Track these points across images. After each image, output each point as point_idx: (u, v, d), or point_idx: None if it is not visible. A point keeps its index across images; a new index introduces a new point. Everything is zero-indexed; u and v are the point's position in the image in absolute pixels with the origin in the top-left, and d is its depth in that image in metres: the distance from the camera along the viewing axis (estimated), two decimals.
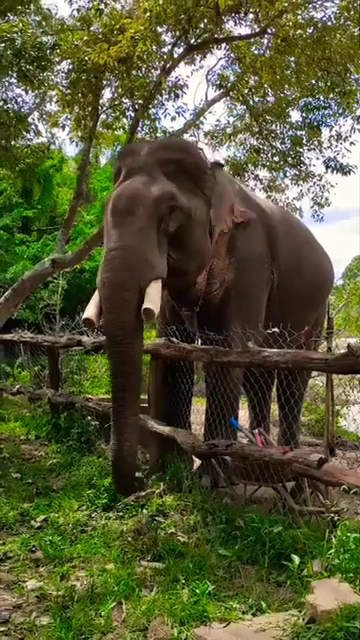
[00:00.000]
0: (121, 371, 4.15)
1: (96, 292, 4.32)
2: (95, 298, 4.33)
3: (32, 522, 4.28)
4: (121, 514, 4.38)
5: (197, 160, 4.78)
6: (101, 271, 4.27)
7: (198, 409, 6.23)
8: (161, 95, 10.75)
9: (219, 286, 5.10)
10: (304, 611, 2.76)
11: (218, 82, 11.72)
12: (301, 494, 4.34)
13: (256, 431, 5.05)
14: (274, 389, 6.56)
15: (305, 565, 3.12)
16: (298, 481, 4.30)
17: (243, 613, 2.92)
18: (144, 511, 4.29)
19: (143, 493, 4.66)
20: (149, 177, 4.44)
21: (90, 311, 4.31)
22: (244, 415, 6.98)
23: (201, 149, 5.25)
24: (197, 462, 5.23)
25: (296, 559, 3.16)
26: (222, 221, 4.94)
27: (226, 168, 12.68)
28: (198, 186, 4.69)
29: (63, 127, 11.56)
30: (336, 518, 3.54)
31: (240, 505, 4.36)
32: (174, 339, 5.11)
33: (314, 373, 6.84)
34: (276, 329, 4.56)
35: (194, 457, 5.15)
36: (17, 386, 9.64)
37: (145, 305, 4.00)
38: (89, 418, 6.52)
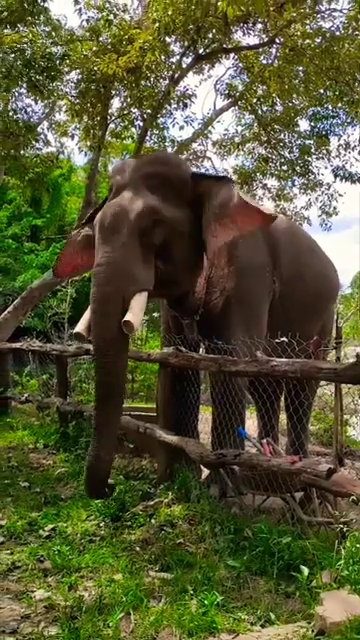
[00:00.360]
0: (105, 382, 4.28)
1: (89, 307, 4.46)
2: (87, 313, 4.48)
3: (40, 531, 4.26)
4: (129, 524, 4.37)
5: (180, 172, 4.83)
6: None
7: (206, 418, 6.21)
8: (169, 104, 10.83)
9: (219, 295, 5.16)
10: (313, 623, 2.73)
11: (226, 91, 11.79)
12: (310, 504, 4.32)
13: (264, 441, 5.03)
14: (282, 398, 6.54)
15: (314, 576, 3.10)
16: (307, 491, 4.28)
17: (252, 624, 2.90)
18: (152, 521, 4.28)
19: (151, 503, 4.66)
20: (134, 193, 4.56)
21: (81, 325, 4.51)
22: (252, 425, 6.97)
23: (184, 161, 5.25)
24: (205, 472, 5.22)
25: (305, 570, 3.13)
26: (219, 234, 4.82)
27: (234, 177, 12.78)
28: (183, 197, 4.73)
29: (72, 136, 11.67)
30: (345, 529, 3.51)
31: (248, 515, 4.33)
32: (182, 348, 5.11)
33: (323, 382, 6.82)
34: (284, 338, 4.55)
35: (202, 467, 5.14)
36: (25, 395, 9.65)
37: (125, 318, 4.12)
38: None
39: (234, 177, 12.89)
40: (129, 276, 4.31)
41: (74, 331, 4.59)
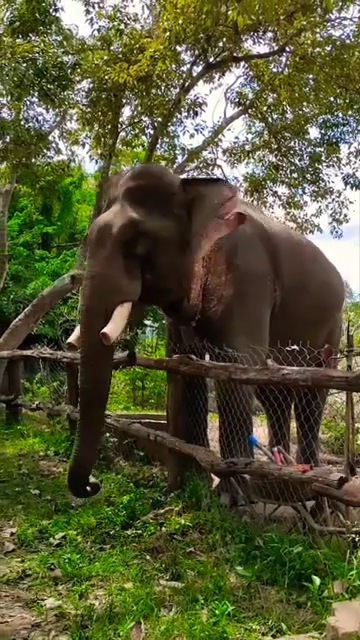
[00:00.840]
0: (88, 389, 4.58)
1: None
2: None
3: (51, 539, 4.26)
4: (140, 532, 4.36)
5: (162, 183, 4.95)
6: None
7: (216, 426, 6.20)
8: (180, 113, 10.87)
9: (217, 302, 5.22)
10: (325, 633, 2.71)
11: (237, 100, 11.82)
12: (321, 514, 4.29)
13: (275, 449, 5.01)
14: (293, 406, 6.52)
15: (326, 586, 3.08)
16: (318, 500, 4.26)
17: (263, 635, 2.88)
18: (163, 529, 4.27)
19: (162, 511, 4.65)
20: (119, 207, 4.77)
21: (73, 336, 4.79)
22: (263, 433, 6.95)
23: (167, 171, 5.37)
24: (216, 480, 5.20)
25: (317, 580, 3.12)
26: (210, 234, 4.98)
27: (245, 184, 12.80)
28: (167, 207, 4.84)
29: (83, 145, 11.72)
30: (357, 539, 3.49)
31: (259, 524, 4.32)
32: (192, 356, 5.11)
33: (334, 389, 6.79)
34: (295, 346, 4.55)
35: (213, 475, 5.13)
36: (36, 402, 9.66)
37: (103, 329, 4.32)
38: (107, 435, 6.52)
39: (244, 185, 12.91)
40: (112, 288, 4.53)
41: (67, 341, 4.88)
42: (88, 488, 4.59)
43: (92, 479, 4.64)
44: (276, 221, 7.09)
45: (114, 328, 4.38)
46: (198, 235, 4.88)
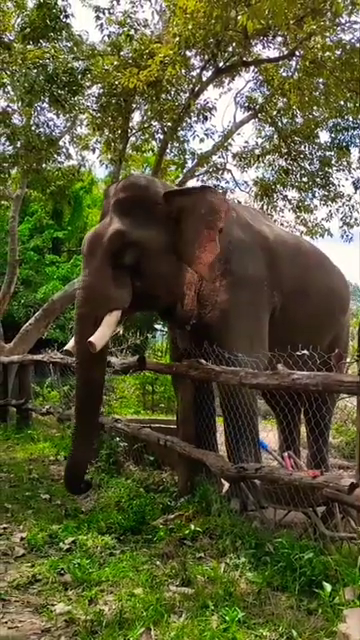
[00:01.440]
0: (82, 393, 5.01)
1: None
2: None
3: (61, 544, 4.25)
4: (150, 537, 4.35)
5: (148, 194, 5.11)
6: None
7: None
8: (190, 117, 10.90)
9: (212, 308, 5.32)
10: None
11: (246, 104, 11.84)
12: (332, 519, 4.27)
13: (285, 454, 4.99)
14: (303, 411, 6.49)
15: (337, 593, 3.05)
16: (329, 506, 4.23)
17: None
18: (173, 535, 4.26)
19: (172, 516, 4.64)
20: (109, 219, 5.03)
21: (70, 343, 5.19)
22: (273, 437, 6.92)
23: (154, 181, 5.61)
24: (227, 485, 5.19)
25: (327, 586, 3.09)
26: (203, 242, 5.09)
27: (255, 189, 12.79)
28: (154, 217, 4.99)
29: (93, 150, 11.78)
30: None
31: (270, 530, 4.29)
32: (202, 360, 5.11)
33: (343, 394, 6.76)
34: (306, 351, 4.53)
35: (223, 480, 5.12)
36: (47, 406, 9.69)
37: (89, 338, 4.55)
38: (118, 439, 6.52)
39: (254, 189, 12.91)
40: (101, 297, 4.79)
41: (64, 348, 5.33)
42: (82, 485, 5.05)
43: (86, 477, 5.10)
44: (279, 227, 7.09)
45: (100, 336, 4.61)
46: (192, 245, 5.00)
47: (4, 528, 4.66)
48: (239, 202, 12.77)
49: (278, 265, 5.70)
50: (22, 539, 4.35)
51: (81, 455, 4.99)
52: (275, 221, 12.64)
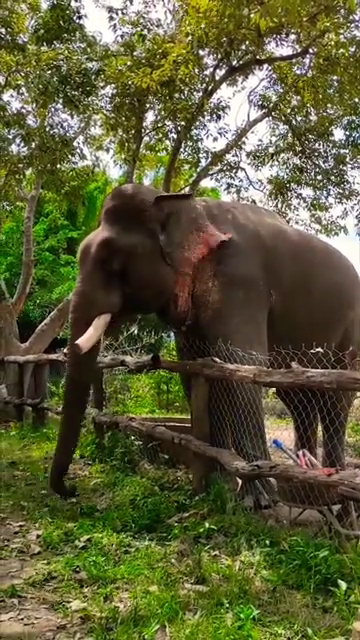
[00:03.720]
0: (68, 393, 5.39)
1: None
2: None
3: (76, 542, 4.26)
4: (164, 535, 4.35)
5: (133, 202, 5.35)
6: None
7: None
8: (203, 117, 10.89)
9: (205, 308, 5.45)
10: (351, 639, 2.68)
11: (260, 102, 11.80)
12: (347, 517, 4.26)
13: (300, 452, 4.98)
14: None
15: (352, 591, 3.04)
16: (344, 504, 4.22)
17: (288, 639, 2.86)
18: (187, 533, 4.26)
19: (187, 514, 4.64)
20: (100, 228, 5.36)
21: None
22: (289, 436, 6.90)
23: (140, 189, 5.97)
24: (240, 482, 5.18)
25: (343, 585, 3.08)
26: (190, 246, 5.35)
27: (269, 187, 12.76)
28: (140, 223, 5.22)
29: (107, 150, 11.83)
30: None
31: (285, 528, 4.28)
32: (216, 359, 5.12)
33: (359, 393, 6.72)
34: (320, 349, 4.53)
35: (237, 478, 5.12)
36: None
37: (76, 341, 4.88)
38: (132, 438, 6.54)
39: (269, 187, 12.87)
40: (91, 302, 5.08)
41: (64, 351, 5.78)
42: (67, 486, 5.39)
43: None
44: (287, 225, 7.06)
45: (86, 339, 4.89)
46: (180, 248, 5.28)
47: (20, 526, 4.69)
48: (253, 201, 12.78)
49: (276, 264, 5.74)
50: (38, 537, 4.37)
51: (62, 456, 5.32)
52: (289, 220, 12.61)
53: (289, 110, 11.75)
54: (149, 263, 5.22)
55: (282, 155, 12.73)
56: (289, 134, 12.39)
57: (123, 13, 9.95)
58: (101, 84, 10.11)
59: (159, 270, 5.26)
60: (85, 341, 4.87)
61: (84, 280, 5.18)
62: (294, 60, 10.63)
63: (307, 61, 10.52)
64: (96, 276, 5.12)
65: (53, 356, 9.71)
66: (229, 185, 12.96)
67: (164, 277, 5.29)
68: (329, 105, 10.92)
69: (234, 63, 10.36)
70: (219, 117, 10.70)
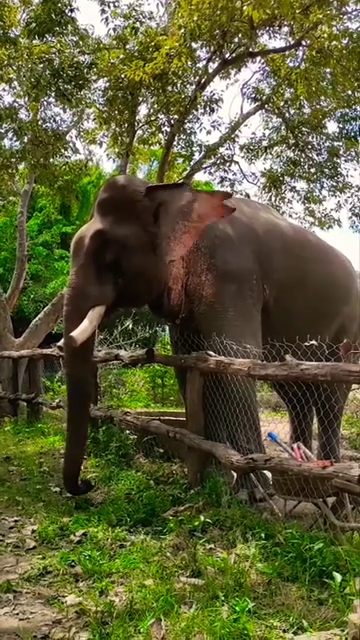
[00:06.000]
0: (72, 389, 5.24)
1: None
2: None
3: (71, 536, 4.27)
4: (160, 529, 4.36)
5: (125, 193, 5.30)
6: None
7: None
8: (196, 110, 10.86)
9: (199, 302, 5.45)
10: (347, 630, 2.68)
11: (253, 95, 11.76)
12: (342, 510, 4.26)
13: (295, 445, 4.99)
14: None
15: (347, 583, 3.05)
16: (339, 496, 4.22)
17: (284, 632, 2.86)
18: (183, 526, 4.26)
19: (182, 508, 4.65)
20: (92, 220, 5.33)
21: (64, 340, 5.28)
22: (283, 429, 6.91)
23: (132, 180, 5.92)
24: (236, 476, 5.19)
25: (338, 577, 3.08)
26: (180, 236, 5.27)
27: (263, 180, 12.74)
28: (132, 214, 5.18)
29: (100, 144, 11.76)
30: None
31: (280, 520, 4.29)
32: (211, 352, 5.12)
33: (354, 386, 6.73)
34: (314, 342, 4.53)
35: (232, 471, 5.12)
36: (57, 400, 9.71)
37: (71, 333, 4.82)
38: (127, 432, 6.54)
39: (262, 180, 12.85)
40: (83, 295, 5.03)
41: (57, 344, 5.64)
42: (80, 485, 5.11)
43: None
44: (281, 219, 7.03)
45: (80, 330, 4.83)
46: (167, 238, 5.19)
47: (15, 521, 4.69)
48: (247, 194, 12.75)
49: (269, 258, 5.74)
50: (33, 532, 4.37)
51: (71, 452, 5.15)
52: (283, 213, 12.59)
53: (282, 103, 11.71)
54: (142, 255, 5.17)
55: (275, 148, 12.70)
56: (282, 127, 12.35)
57: (115, 6, 9.88)
58: (94, 77, 10.06)
59: (151, 262, 5.22)
60: (80, 333, 4.81)
61: (77, 272, 5.12)
62: (287, 52, 10.58)
63: (300, 53, 10.48)
64: (89, 268, 5.07)
65: (47, 351, 9.70)
66: (223, 178, 12.92)
67: (156, 269, 5.25)
68: (322, 98, 10.87)
69: (227, 56, 10.31)
70: (212, 110, 10.67)
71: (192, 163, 12.32)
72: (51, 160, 10.92)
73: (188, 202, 5.26)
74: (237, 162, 12.87)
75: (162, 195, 5.30)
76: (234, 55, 10.40)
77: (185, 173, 12.60)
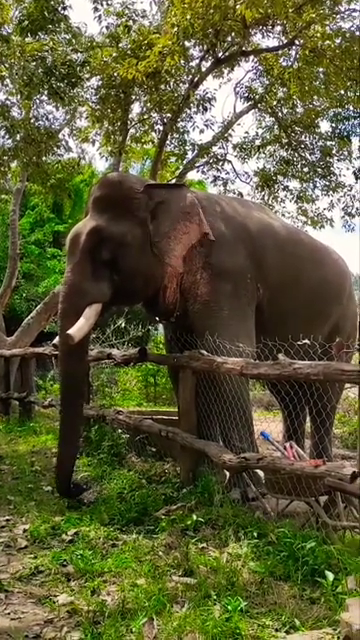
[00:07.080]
0: (66, 387, 5.26)
1: None
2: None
3: (63, 536, 4.25)
4: (152, 528, 4.35)
5: (122, 190, 5.30)
6: None
7: None
8: (189, 108, 10.85)
9: (194, 300, 5.44)
10: (339, 629, 2.69)
11: (246, 94, 11.76)
12: (334, 509, 4.27)
13: (287, 444, 4.99)
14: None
15: (339, 582, 3.05)
16: (331, 495, 4.23)
17: (276, 630, 2.86)
18: (175, 525, 4.26)
19: (174, 507, 4.64)
20: (88, 217, 5.28)
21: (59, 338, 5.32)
22: (276, 428, 6.92)
23: (129, 178, 5.87)
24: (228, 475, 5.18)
25: (330, 576, 3.09)
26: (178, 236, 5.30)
27: (255, 179, 12.74)
28: (129, 211, 5.17)
29: (93, 142, 11.73)
30: None
31: (272, 519, 4.29)
32: (203, 351, 5.11)
33: (347, 385, 6.75)
34: (307, 340, 4.54)
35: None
36: (49, 399, 9.69)
37: (68, 331, 4.76)
38: (119, 431, 6.52)
39: (255, 180, 12.85)
40: (80, 292, 4.99)
41: (52, 342, 5.64)
42: (72, 487, 5.06)
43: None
44: (276, 218, 7.03)
45: (77, 328, 4.79)
46: (167, 237, 5.20)
47: (7, 520, 4.67)
48: (240, 193, 12.76)
49: (263, 257, 5.74)
50: (25, 531, 4.35)
51: (65, 452, 5.12)
52: (276, 212, 12.61)
53: (275, 102, 11.73)
54: (138, 252, 5.17)
55: (268, 147, 12.71)
56: (275, 126, 12.37)
57: (108, 4, 9.86)
58: (86, 75, 10.02)
59: (148, 260, 5.21)
60: (76, 331, 4.78)
61: (73, 270, 5.07)
62: (280, 52, 10.59)
63: (293, 53, 10.50)
64: (85, 265, 5.03)
65: (39, 350, 9.67)
66: (216, 177, 12.93)
67: (152, 267, 5.24)
68: (315, 97, 10.89)
69: (220, 54, 10.31)
70: (205, 109, 10.65)
71: (185, 162, 12.31)
72: (44, 158, 10.89)
73: (190, 203, 5.30)
74: (230, 161, 12.88)
75: (162, 194, 5.30)
76: (227, 54, 10.39)
77: (178, 172, 12.59)
